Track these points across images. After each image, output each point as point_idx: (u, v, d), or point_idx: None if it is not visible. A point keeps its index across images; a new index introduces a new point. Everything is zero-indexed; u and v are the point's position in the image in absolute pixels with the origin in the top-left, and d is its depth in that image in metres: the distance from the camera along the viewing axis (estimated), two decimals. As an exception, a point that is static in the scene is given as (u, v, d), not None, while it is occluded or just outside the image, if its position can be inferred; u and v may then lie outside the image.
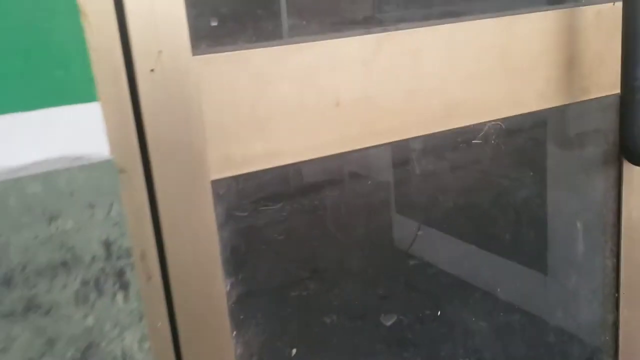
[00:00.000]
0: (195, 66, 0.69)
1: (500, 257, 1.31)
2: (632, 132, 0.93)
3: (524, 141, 1.02)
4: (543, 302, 1.19)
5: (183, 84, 0.68)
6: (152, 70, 0.67)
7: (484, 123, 0.87)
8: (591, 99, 0.96)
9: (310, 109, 0.76)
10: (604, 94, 0.97)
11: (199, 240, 0.72)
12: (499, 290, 1.36)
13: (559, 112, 0.94)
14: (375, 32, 0.78)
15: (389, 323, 1.87)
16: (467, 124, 0.86)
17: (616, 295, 1.05)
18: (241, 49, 0.73)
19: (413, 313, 1.62)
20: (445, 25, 0.82)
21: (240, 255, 0.77)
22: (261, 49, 0.74)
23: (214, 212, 0.72)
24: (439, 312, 1.54)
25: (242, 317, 0.77)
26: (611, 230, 1.04)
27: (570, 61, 0.93)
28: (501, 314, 1.34)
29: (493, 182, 1.10)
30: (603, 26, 0.94)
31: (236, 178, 0.75)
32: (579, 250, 1.09)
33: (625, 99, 0.94)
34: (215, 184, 0.72)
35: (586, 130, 1.02)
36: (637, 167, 1.00)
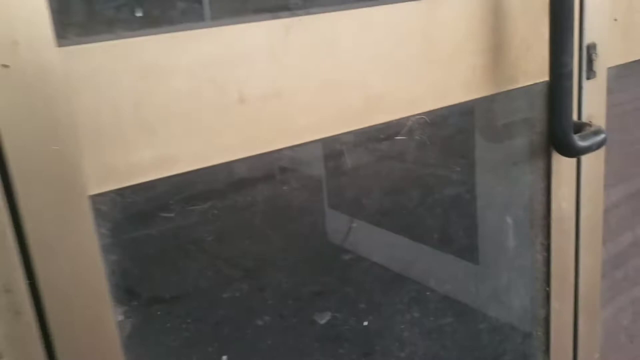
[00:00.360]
0: (63, 60, 0.57)
1: (432, 250, 1.27)
2: (561, 122, 0.89)
3: (450, 134, 0.97)
4: (475, 297, 1.15)
5: (48, 81, 0.56)
6: (5, 66, 0.55)
7: (408, 117, 0.80)
8: (519, 88, 0.91)
9: (210, 107, 0.66)
10: (531, 82, 0.92)
11: (79, 266, 0.61)
12: (432, 282, 1.32)
13: (486, 103, 0.89)
14: (283, 17, 0.69)
15: (323, 321, 1.81)
16: (390, 119, 0.79)
17: (547, 289, 1.02)
18: (122, 38, 0.62)
19: (347, 309, 1.56)
20: (362, 9, 0.73)
21: (136, 277, 0.67)
22: (148, 37, 0.63)
23: (96, 232, 0.61)
24: (373, 307, 1.50)
25: (140, 348, 0.68)
26: (541, 223, 1.01)
27: (497, 48, 0.87)
28: (434, 307, 1.30)
29: (421, 176, 1.04)
30: (530, 9, 0.89)
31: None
32: (509, 245, 1.05)
33: (553, 87, 0.89)
34: (96, 199, 0.61)
35: (514, 120, 0.97)
36: (566, 158, 0.97)
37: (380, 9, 0.75)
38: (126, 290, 0.66)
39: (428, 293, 1.31)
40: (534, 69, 0.92)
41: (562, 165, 0.99)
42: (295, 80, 0.70)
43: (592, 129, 0.94)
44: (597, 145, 0.92)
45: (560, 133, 0.89)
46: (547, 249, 1.02)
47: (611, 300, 1.24)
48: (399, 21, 0.77)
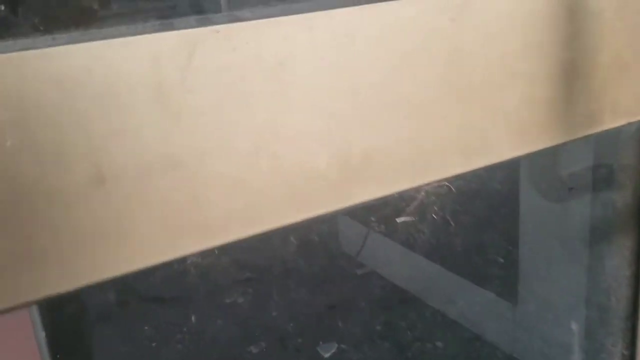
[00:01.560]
0: None
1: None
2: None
3: (489, 205, 0.64)
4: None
5: None
6: None
7: (419, 188, 0.49)
8: (602, 131, 0.58)
9: (39, 194, 0.36)
10: (623, 121, 0.59)
11: None
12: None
13: (548, 156, 0.57)
14: (182, 28, 0.38)
15: (327, 354, 1.57)
16: (387, 192, 0.47)
17: (625, 421, 0.70)
18: None
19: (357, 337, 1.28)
20: (334, 10, 0.42)
21: None
22: None
23: None
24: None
25: None
26: (622, 326, 0.68)
27: (571, 68, 0.54)
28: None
29: (439, 277, 0.74)
30: (629, 9, 0.55)
31: None
32: (574, 356, 0.73)
33: (659, 133, 0.56)
34: None
35: (589, 180, 0.64)
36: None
37: (381, 9, 0.43)
38: None
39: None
40: (629, 101, 0.58)
41: (661, 245, 0.65)
42: (206, 137, 0.40)
43: None
44: None
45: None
46: (629, 363, 0.69)
47: None
48: (411, 30, 0.45)
